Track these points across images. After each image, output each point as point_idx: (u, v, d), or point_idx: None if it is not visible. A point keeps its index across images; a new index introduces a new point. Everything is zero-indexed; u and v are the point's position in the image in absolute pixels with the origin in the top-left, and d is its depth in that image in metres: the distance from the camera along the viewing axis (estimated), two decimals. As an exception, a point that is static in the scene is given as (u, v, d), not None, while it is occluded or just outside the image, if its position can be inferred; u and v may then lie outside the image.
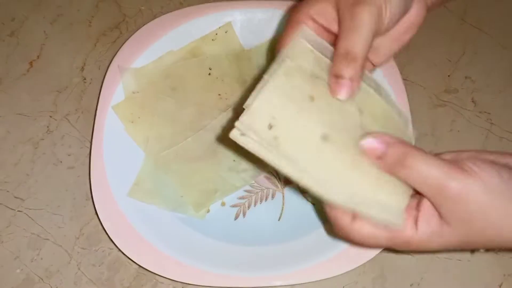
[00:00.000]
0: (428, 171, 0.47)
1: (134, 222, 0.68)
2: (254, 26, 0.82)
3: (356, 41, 0.51)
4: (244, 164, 0.73)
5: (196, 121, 0.76)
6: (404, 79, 0.78)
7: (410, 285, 0.69)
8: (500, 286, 0.70)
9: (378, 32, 0.53)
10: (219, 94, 0.78)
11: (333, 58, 0.52)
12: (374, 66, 0.61)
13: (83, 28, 0.87)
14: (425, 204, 0.50)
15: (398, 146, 0.49)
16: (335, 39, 0.56)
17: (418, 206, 0.50)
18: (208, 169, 0.74)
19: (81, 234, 0.72)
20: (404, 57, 0.85)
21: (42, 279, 0.69)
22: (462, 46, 0.88)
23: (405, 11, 0.56)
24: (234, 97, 0.78)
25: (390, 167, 0.49)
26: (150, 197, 0.71)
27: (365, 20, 0.51)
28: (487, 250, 0.52)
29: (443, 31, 0.89)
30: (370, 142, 0.50)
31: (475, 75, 0.85)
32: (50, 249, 0.71)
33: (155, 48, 0.79)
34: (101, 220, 0.68)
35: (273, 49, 0.65)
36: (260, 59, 0.81)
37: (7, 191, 0.74)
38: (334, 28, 0.56)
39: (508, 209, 0.47)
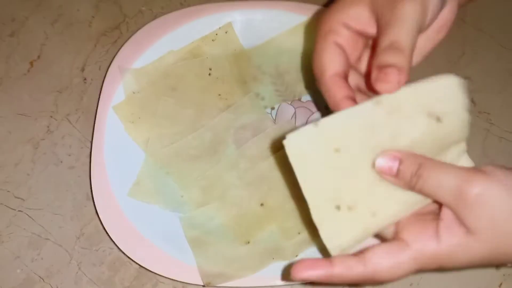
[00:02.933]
0: (445, 178, 0.47)
1: (134, 222, 0.68)
2: (255, 26, 0.82)
3: (402, 32, 0.49)
4: (245, 164, 0.74)
5: (196, 121, 0.76)
6: (404, 79, 0.78)
7: (410, 285, 0.70)
8: (500, 286, 0.70)
9: (421, 29, 0.52)
10: (219, 94, 0.78)
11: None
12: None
13: (84, 28, 0.87)
14: (446, 213, 0.48)
15: (411, 158, 0.49)
16: (373, 41, 0.56)
17: (439, 217, 0.49)
18: (208, 168, 0.74)
19: (81, 234, 0.72)
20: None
21: (42, 279, 0.69)
22: (461, 46, 0.88)
23: (441, 8, 0.55)
24: (234, 97, 0.78)
25: (408, 182, 0.49)
26: (150, 197, 0.71)
27: (409, 13, 0.49)
28: None
29: (443, 31, 0.89)
30: (382, 163, 0.49)
31: (475, 75, 0.85)
32: (51, 249, 0.71)
33: (156, 48, 0.80)
34: (101, 220, 0.68)
35: (308, 66, 0.63)
36: (260, 59, 0.81)
37: (8, 191, 0.74)
38: (370, 31, 0.55)
39: None
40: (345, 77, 0.56)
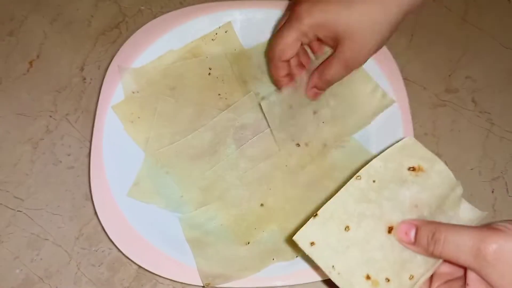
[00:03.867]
0: (461, 239, 0.48)
1: (133, 222, 0.68)
2: (254, 25, 0.82)
3: (332, 76, 0.68)
4: (245, 164, 0.74)
5: (195, 120, 0.76)
6: (404, 79, 0.78)
7: (410, 286, 0.70)
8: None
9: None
10: (219, 94, 0.78)
11: None
12: None
13: (83, 27, 0.87)
14: (471, 277, 0.49)
15: (426, 225, 0.51)
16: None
17: (465, 282, 0.50)
18: (208, 168, 0.74)
19: (80, 234, 0.72)
20: (404, 57, 0.86)
21: (42, 279, 0.69)
22: (462, 46, 0.88)
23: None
24: (233, 97, 0.78)
25: (426, 247, 0.51)
26: (149, 197, 0.71)
27: (343, 63, 0.66)
28: None
29: (444, 31, 0.90)
30: (400, 233, 0.53)
31: (475, 75, 0.85)
32: (50, 249, 0.71)
33: (155, 48, 0.80)
34: (100, 220, 0.68)
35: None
36: (260, 58, 0.81)
37: (7, 191, 0.74)
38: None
39: None
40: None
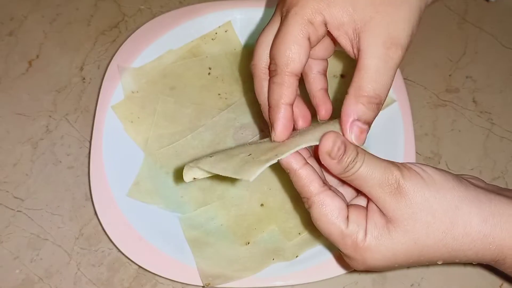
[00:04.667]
0: (376, 166, 0.48)
1: (133, 222, 0.68)
2: (254, 25, 0.82)
3: (386, 85, 0.51)
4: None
5: (195, 120, 0.77)
6: (404, 79, 0.79)
7: (411, 286, 0.70)
8: (500, 287, 0.70)
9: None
10: (219, 94, 0.78)
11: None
12: None
13: (82, 27, 0.88)
14: (372, 206, 0.50)
15: (351, 145, 0.49)
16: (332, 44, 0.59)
17: (366, 210, 0.51)
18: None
19: (80, 234, 0.72)
20: (404, 57, 0.85)
21: (41, 279, 0.69)
22: (463, 46, 0.88)
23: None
24: (233, 97, 0.79)
25: (345, 167, 0.49)
26: (149, 197, 0.71)
27: (396, 63, 0.52)
28: (446, 262, 0.50)
29: (444, 31, 0.90)
30: (328, 144, 0.48)
31: (476, 75, 0.86)
32: (50, 249, 0.71)
33: (155, 47, 0.80)
34: (100, 220, 0.68)
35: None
36: None
37: (7, 191, 0.74)
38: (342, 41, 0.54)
39: (457, 205, 0.48)
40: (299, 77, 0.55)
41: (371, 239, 0.49)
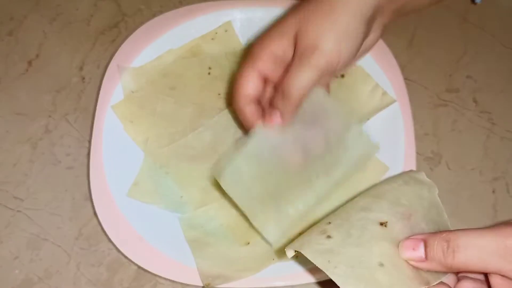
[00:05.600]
0: (483, 240, 0.45)
1: (133, 223, 0.68)
2: (254, 25, 0.82)
3: (295, 85, 0.60)
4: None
5: (195, 120, 0.77)
6: (405, 79, 0.79)
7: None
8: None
9: (326, 74, 0.60)
10: (219, 94, 0.78)
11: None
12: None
13: (82, 27, 0.88)
14: (496, 281, 0.46)
15: (435, 235, 0.48)
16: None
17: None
18: (208, 168, 0.74)
19: (80, 235, 0.72)
20: (405, 57, 0.86)
21: (41, 279, 0.69)
22: (463, 46, 0.88)
23: (359, 50, 0.62)
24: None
25: (441, 260, 0.46)
26: (149, 197, 0.71)
27: (310, 69, 0.59)
28: None
29: (444, 31, 0.90)
30: (406, 248, 0.48)
31: (476, 75, 0.86)
32: (49, 249, 0.71)
33: (154, 47, 0.80)
34: (100, 220, 0.68)
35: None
36: None
37: (6, 191, 0.74)
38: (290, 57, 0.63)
39: None
40: (257, 100, 0.65)
41: None
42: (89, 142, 0.75)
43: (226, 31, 0.82)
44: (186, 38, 0.81)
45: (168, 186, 0.73)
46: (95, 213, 0.70)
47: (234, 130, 0.76)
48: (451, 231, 0.47)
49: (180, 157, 0.74)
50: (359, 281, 0.46)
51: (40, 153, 0.77)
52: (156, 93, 0.77)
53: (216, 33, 0.82)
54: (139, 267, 0.67)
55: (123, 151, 0.74)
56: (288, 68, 0.61)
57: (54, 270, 0.70)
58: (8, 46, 0.86)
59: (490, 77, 0.86)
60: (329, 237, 0.50)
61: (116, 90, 0.76)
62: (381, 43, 0.81)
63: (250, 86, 0.63)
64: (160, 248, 0.67)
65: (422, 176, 0.59)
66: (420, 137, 0.79)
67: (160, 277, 0.68)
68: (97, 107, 0.75)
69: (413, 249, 0.48)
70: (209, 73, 0.80)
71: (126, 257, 0.67)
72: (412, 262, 0.48)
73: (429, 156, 0.78)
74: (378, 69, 0.79)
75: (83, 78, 0.83)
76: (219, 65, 0.80)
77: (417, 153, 0.74)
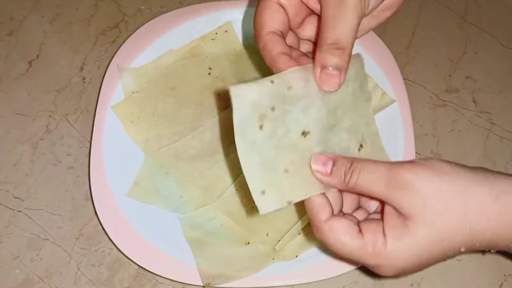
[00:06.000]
0: (375, 168, 0.49)
1: (133, 222, 0.69)
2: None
3: (344, 31, 0.52)
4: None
5: (195, 120, 0.77)
6: (404, 79, 0.79)
7: (411, 285, 0.70)
8: (500, 287, 0.70)
9: (363, 17, 0.54)
10: (219, 94, 0.79)
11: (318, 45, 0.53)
12: None
13: (82, 27, 0.88)
14: (386, 211, 0.50)
15: (343, 158, 0.52)
16: (318, 18, 0.59)
17: (382, 218, 0.51)
18: (208, 168, 0.74)
19: (80, 234, 0.72)
20: (404, 57, 0.87)
21: (42, 279, 0.70)
22: (463, 46, 0.89)
23: None
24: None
25: (341, 178, 0.51)
26: (149, 197, 0.72)
27: (351, 7, 0.51)
28: (468, 249, 0.50)
29: (444, 31, 0.90)
30: (318, 162, 0.52)
31: (476, 75, 0.86)
32: (50, 249, 0.71)
33: (155, 47, 0.80)
34: (100, 220, 0.68)
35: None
36: (260, 58, 0.80)
37: (7, 191, 0.75)
38: (313, 5, 0.58)
39: (467, 187, 0.48)
40: (283, 36, 0.56)
41: (392, 241, 0.49)
42: (90, 142, 0.75)
43: (226, 31, 0.82)
44: (187, 39, 0.81)
45: (168, 186, 0.73)
46: (95, 213, 0.70)
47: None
48: (356, 158, 0.52)
49: (180, 157, 0.75)
50: (264, 182, 0.51)
51: (41, 153, 0.77)
52: (157, 93, 0.77)
53: (216, 33, 0.82)
54: (140, 266, 0.68)
55: (124, 151, 0.74)
56: (324, 17, 0.53)
57: (54, 269, 0.70)
58: (9, 46, 0.86)
59: (489, 77, 0.86)
60: (261, 127, 0.52)
61: (116, 90, 0.77)
62: (380, 43, 0.82)
63: (275, 19, 0.56)
64: (161, 248, 0.67)
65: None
66: (419, 137, 0.79)
67: (160, 276, 0.68)
68: (98, 107, 0.75)
69: (323, 163, 0.52)
70: (209, 74, 0.80)
71: (126, 256, 0.67)
72: (318, 174, 0.52)
73: (428, 156, 0.79)
74: (378, 69, 0.79)
75: (84, 78, 0.83)
76: (219, 66, 0.80)
77: (417, 153, 0.75)
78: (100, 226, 0.71)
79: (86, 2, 0.90)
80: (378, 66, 0.79)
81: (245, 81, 0.63)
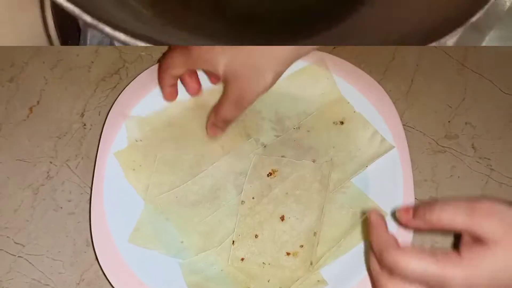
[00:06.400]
0: (455, 203, 0.55)
1: (135, 268, 0.71)
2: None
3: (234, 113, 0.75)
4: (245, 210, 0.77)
5: (196, 166, 0.80)
6: (403, 125, 0.82)
7: None
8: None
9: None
10: (222, 146, 0.82)
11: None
12: None
13: (83, 73, 0.91)
14: (464, 240, 0.55)
15: (424, 203, 0.59)
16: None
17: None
18: (208, 214, 0.77)
19: (81, 280, 0.75)
20: (403, 103, 0.90)
21: (42, 326, 0.72)
22: (462, 92, 0.92)
23: None
24: (234, 143, 0.82)
25: (423, 216, 0.58)
26: (150, 243, 0.74)
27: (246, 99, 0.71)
28: None
29: (443, 77, 0.93)
30: (400, 211, 0.61)
31: (475, 121, 0.89)
32: (51, 295, 0.74)
33: (156, 93, 0.83)
34: (101, 266, 0.71)
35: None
36: (260, 105, 0.83)
37: (8, 237, 0.77)
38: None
39: None
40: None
41: (469, 256, 0.53)
42: (90, 188, 0.77)
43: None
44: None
45: (169, 231, 0.76)
46: (96, 259, 0.72)
47: (234, 177, 0.80)
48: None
49: (181, 203, 0.77)
50: None
51: (41, 199, 0.80)
52: (159, 141, 0.81)
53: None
54: (141, 312, 0.70)
55: (124, 197, 0.76)
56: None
57: (55, 316, 0.73)
58: (9, 92, 0.89)
59: (489, 123, 0.89)
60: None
61: (117, 137, 0.80)
62: (380, 89, 0.85)
63: (175, 70, 0.76)
64: (162, 294, 0.70)
65: None
66: (418, 183, 0.82)
67: (161, 322, 0.70)
68: (98, 153, 0.78)
69: (406, 211, 0.60)
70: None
71: (127, 302, 0.69)
72: (403, 220, 0.61)
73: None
74: (377, 116, 0.83)
75: (84, 125, 0.86)
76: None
77: (416, 199, 0.77)
78: (101, 271, 0.72)
79: (87, 48, 0.93)
80: (377, 113, 0.83)
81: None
